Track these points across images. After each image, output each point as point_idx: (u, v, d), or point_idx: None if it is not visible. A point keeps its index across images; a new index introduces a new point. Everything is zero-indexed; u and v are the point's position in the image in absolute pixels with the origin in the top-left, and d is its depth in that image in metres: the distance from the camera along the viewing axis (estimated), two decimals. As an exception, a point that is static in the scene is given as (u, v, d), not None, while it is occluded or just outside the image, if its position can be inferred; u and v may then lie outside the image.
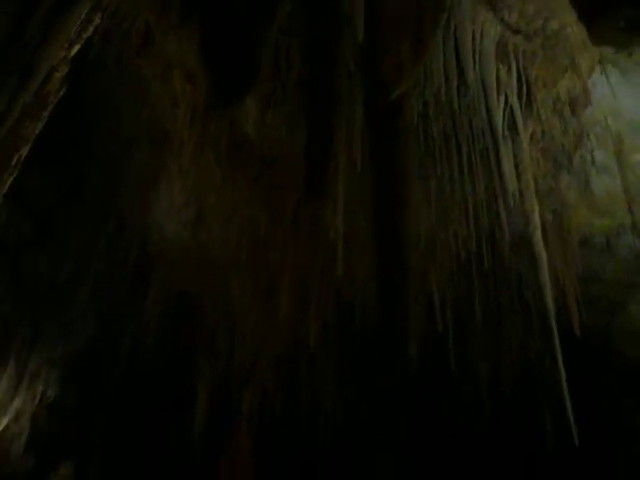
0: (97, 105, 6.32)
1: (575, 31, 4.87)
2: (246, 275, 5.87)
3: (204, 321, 6.35)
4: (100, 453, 7.67)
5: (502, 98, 5.04)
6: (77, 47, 4.48)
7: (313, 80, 4.45)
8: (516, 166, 4.91)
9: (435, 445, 7.03)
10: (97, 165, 6.68)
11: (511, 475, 6.80)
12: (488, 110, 4.89)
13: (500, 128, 4.93)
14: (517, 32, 4.97)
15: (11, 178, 5.37)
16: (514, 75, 5.06)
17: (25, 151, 5.12)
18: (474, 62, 4.87)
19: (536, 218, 4.91)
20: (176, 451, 6.56)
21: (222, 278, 6.10)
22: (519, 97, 5.09)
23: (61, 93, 4.98)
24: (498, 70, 5.00)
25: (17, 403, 8.06)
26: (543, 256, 4.86)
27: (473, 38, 4.85)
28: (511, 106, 5.05)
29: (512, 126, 5.03)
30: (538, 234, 4.88)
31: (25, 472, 8.24)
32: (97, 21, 4.05)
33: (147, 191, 6.35)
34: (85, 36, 4.45)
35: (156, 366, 6.74)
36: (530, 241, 4.89)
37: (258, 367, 5.78)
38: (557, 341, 4.69)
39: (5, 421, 7.99)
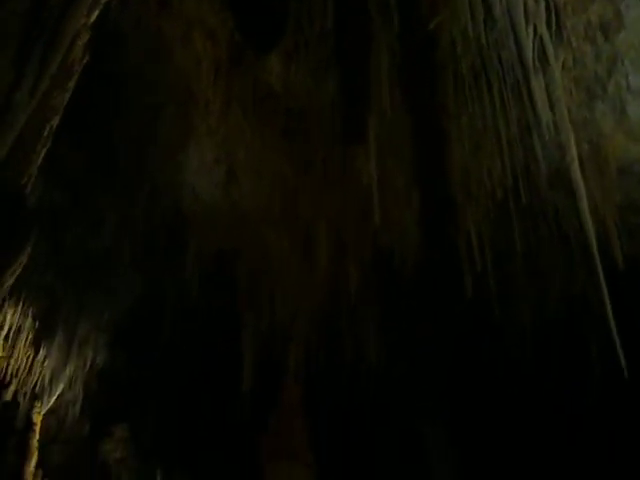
0: (121, 71, 6.31)
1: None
2: (281, 229, 5.88)
3: (244, 278, 6.40)
4: (153, 414, 7.89)
5: (531, 29, 4.88)
6: (96, 13, 4.46)
7: (344, 24, 4.37)
8: (549, 97, 4.78)
9: (475, 391, 7.04)
10: (126, 131, 6.70)
11: (557, 416, 6.80)
12: (517, 42, 4.75)
13: (530, 60, 4.78)
14: (543, -43, 4.79)
15: (44, 149, 5.43)
16: (542, 4, 4.89)
17: (56, 122, 5.16)
18: (500, -7, 4.72)
19: (572, 149, 4.79)
20: (227, 407, 6.69)
21: (257, 234, 6.12)
22: (548, 26, 4.92)
23: (85, 61, 4.97)
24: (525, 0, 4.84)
25: (69, 370, 8.30)
26: (581, 187, 4.75)
27: (497, -33, 4.69)
28: (540, 36, 4.89)
29: (542, 57, 4.88)
30: (575, 165, 4.76)
31: (81, 437, 8.53)
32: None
33: (177, 152, 6.37)
34: (103, 1, 4.43)
35: (200, 326, 6.85)
36: (567, 173, 4.78)
37: (300, 320, 5.82)
38: (600, 272, 4.61)
39: (60, 388, 8.24)
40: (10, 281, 6.03)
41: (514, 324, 6.49)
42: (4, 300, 7.94)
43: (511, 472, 6.83)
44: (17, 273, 6.15)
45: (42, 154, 5.72)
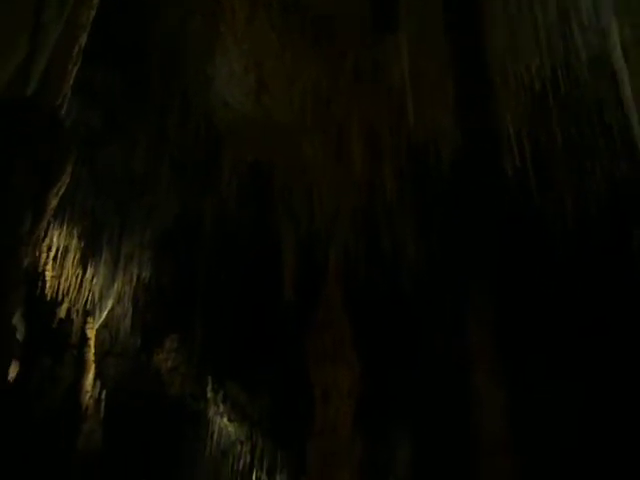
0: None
1: None
2: (315, 135, 5.84)
3: (280, 187, 6.43)
4: (201, 323, 8.14)
5: None
6: None
7: None
8: (587, -21, 4.54)
9: (516, 283, 7.06)
10: (155, 47, 6.65)
11: (599, 306, 6.82)
12: None
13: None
14: None
15: (75, 68, 5.42)
16: None
17: (84, 39, 5.12)
18: None
19: (614, 34, 4.58)
20: (271, 313, 6.87)
21: (291, 142, 6.10)
22: None
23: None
24: None
25: (117, 286, 8.56)
26: (624, 73, 4.57)
27: None
28: None
29: None
30: (618, 51, 4.57)
31: (134, 349, 8.88)
32: None
33: (206, 64, 6.31)
34: None
35: (241, 236, 6.96)
36: (609, 59, 4.60)
37: (338, 223, 5.87)
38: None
39: (110, 304, 8.53)
40: (54, 202, 6.15)
41: (555, 216, 6.43)
42: (49, 222, 8.16)
43: (552, 360, 6.95)
44: (60, 194, 6.29)
45: (74, 73, 5.73)
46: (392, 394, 7.31)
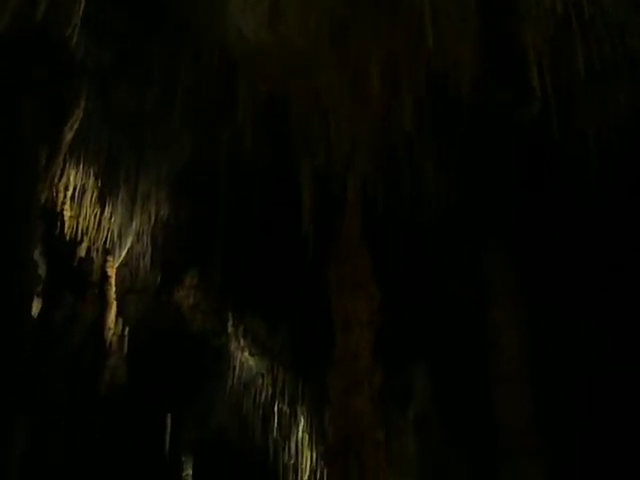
0: None
1: None
2: (331, 63, 5.70)
3: (296, 120, 6.32)
4: (220, 259, 8.16)
5: None
6: None
7: None
8: None
9: (536, 217, 6.98)
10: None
11: (621, 243, 6.74)
12: None
13: None
14: None
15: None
16: None
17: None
18: None
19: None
20: (290, 246, 6.86)
21: (307, 71, 5.96)
22: None
23: None
24: None
25: (135, 225, 8.59)
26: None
27: None
28: None
29: None
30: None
31: (154, 286, 8.96)
32: None
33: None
34: None
35: (257, 169, 6.90)
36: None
37: (357, 154, 5.78)
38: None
39: (129, 242, 8.57)
40: (69, 136, 6.13)
41: (576, 151, 6.29)
42: (65, 161, 8.15)
43: (571, 299, 6.93)
44: (75, 128, 6.25)
45: (82, 3, 5.61)
46: (410, 327, 7.37)
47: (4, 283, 4.54)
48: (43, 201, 6.28)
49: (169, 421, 7.95)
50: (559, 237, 7.00)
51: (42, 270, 7.26)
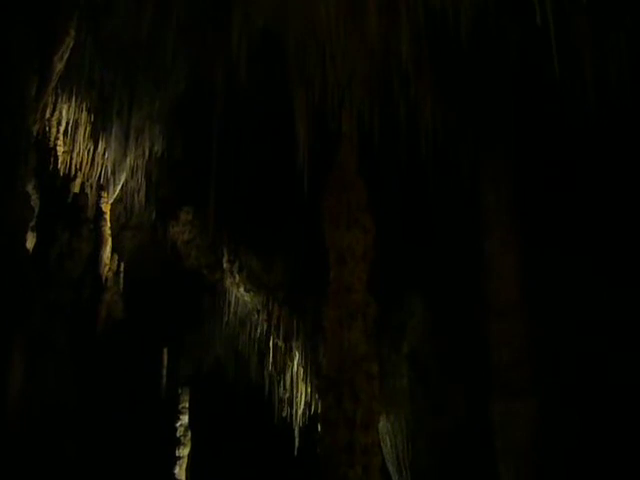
0: None
1: None
2: (328, -7, 5.54)
3: (292, 51, 6.18)
4: (215, 195, 8.12)
5: None
6: None
7: None
8: None
9: (534, 152, 6.92)
10: None
11: (618, 173, 6.70)
12: None
13: None
14: None
15: None
16: None
17: None
18: None
19: None
20: (285, 179, 6.81)
21: (304, 2, 5.81)
22: None
23: None
24: None
25: (129, 160, 8.52)
26: None
27: None
28: None
29: None
30: None
31: (149, 222, 8.95)
32: None
33: None
34: None
35: (253, 103, 6.80)
36: None
37: (353, 88, 5.68)
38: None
39: (123, 178, 8.51)
40: (60, 66, 6.00)
41: (575, 84, 6.18)
42: (57, 95, 8.02)
43: (568, 230, 6.93)
44: (65, 58, 6.11)
45: None
46: (406, 261, 7.39)
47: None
48: (35, 134, 6.21)
49: (166, 355, 8.04)
50: (557, 168, 6.96)
51: (35, 205, 7.21)
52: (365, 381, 5.31)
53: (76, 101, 8.14)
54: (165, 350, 8.04)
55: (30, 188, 6.76)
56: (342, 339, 5.39)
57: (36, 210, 7.20)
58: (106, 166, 8.45)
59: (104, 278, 8.27)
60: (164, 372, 8.01)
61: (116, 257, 8.46)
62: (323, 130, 6.19)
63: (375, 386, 5.38)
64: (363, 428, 5.15)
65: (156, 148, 8.44)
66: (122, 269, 8.40)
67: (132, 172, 8.57)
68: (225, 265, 8.37)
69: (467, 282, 7.47)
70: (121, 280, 8.37)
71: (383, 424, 7.65)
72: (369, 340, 5.52)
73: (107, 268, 8.33)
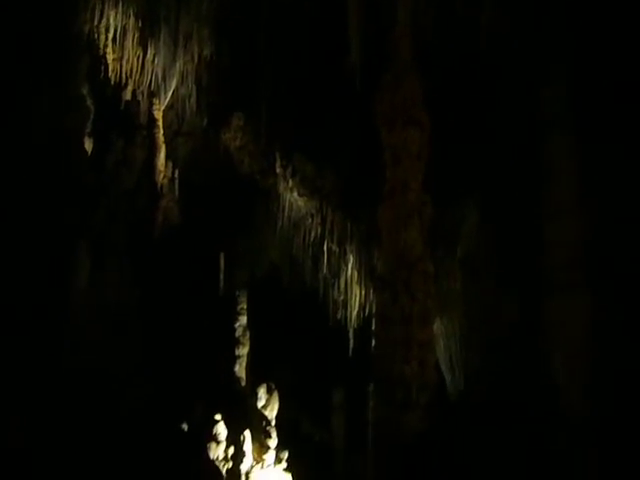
0: None
1: None
2: None
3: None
4: (266, 100, 8.04)
5: None
6: None
7: None
8: None
9: (601, 59, 6.55)
10: None
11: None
12: None
13: None
14: None
15: None
16: None
17: None
18: None
19: None
20: (337, 79, 6.67)
21: None
22: None
23: None
24: None
25: (179, 66, 8.45)
26: None
27: None
28: None
29: None
30: None
31: (201, 128, 8.96)
32: None
33: None
34: None
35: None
36: None
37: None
38: None
39: (173, 84, 8.48)
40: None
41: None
42: (104, 1, 7.93)
43: (630, 135, 6.66)
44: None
45: None
46: (461, 162, 7.23)
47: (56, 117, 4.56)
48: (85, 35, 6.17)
49: (222, 260, 8.19)
50: (621, 68, 6.62)
51: (90, 110, 7.27)
52: (421, 280, 5.34)
53: (123, 7, 8.04)
54: (222, 255, 8.19)
55: (85, 92, 6.79)
56: (398, 239, 5.40)
57: (91, 116, 7.26)
58: (156, 73, 8.41)
59: (159, 185, 8.38)
60: (221, 277, 8.18)
61: (170, 164, 8.53)
62: (377, 22, 5.96)
63: (431, 285, 5.42)
64: (419, 324, 5.21)
65: (205, 53, 8.32)
66: (176, 176, 8.49)
67: (182, 78, 8.51)
68: (278, 170, 8.33)
69: (523, 186, 7.30)
70: (176, 187, 8.47)
71: (436, 326, 7.70)
72: (425, 240, 5.50)
73: (162, 175, 8.42)
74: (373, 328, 6.13)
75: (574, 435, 6.43)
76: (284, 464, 7.24)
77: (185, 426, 7.09)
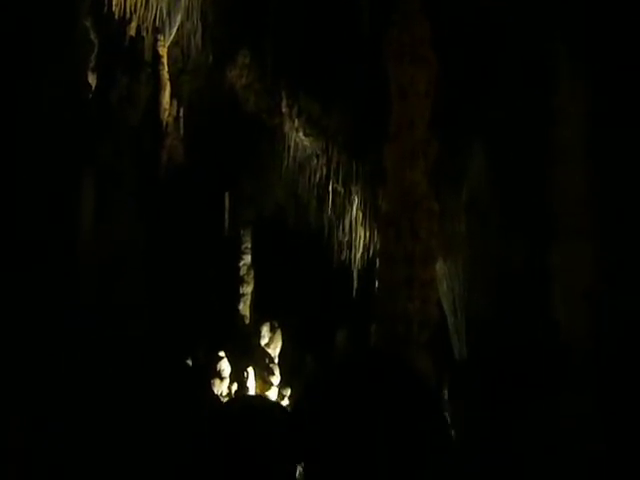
0: None
1: None
2: None
3: None
4: (272, 38, 7.90)
5: None
6: None
7: None
8: None
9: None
10: None
11: None
12: None
13: None
14: None
15: None
16: None
17: None
18: None
19: None
20: (344, 16, 6.54)
21: None
22: None
23: None
24: None
25: (184, 1, 8.29)
26: None
27: None
28: None
29: None
30: None
31: (207, 66, 8.83)
32: None
33: None
34: None
35: None
36: None
37: None
38: None
39: (178, 19, 8.33)
40: None
41: None
42: None
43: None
44: None
45: None
46: (469, 102, 7.13)
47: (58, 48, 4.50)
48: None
49: (227, 200, 8.19)
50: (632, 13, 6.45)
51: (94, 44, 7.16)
52: (425, 219, 5.34)
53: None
54: (226, 195, 8.18)
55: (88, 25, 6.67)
56: (403, 177, 5.38)
57: (95, 50, 7.15)
58: (161, 7, 8.23)
59: (164, 123, 8.30)
60: (226, 216, 8.19)
61: (175, 102, 8.43)
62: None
63: (435, 224, 5.41)
64: (422, 264, 5.23)
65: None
66: (181, 114, 8.40)
67: (187, 13, 8.35)
68: (284, 110, 8.24)
69: (531, 129, 7.21)
70: (181, 125, 8.39)
71: (440, 267, 7.73)
72: (429, 179, 5.48)
73: (167, 113, 8.33)
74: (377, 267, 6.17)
75: (574, 374, 6.54)
76: (287, 401, 7.40)
77: (190, 362, 7.22)
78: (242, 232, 7.77)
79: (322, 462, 1.00)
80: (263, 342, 7.67)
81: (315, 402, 1.06)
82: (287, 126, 8.25)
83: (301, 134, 8.18)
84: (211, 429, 1.25)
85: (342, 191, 8.20)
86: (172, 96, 8.35)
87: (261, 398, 6.64)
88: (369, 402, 1.00)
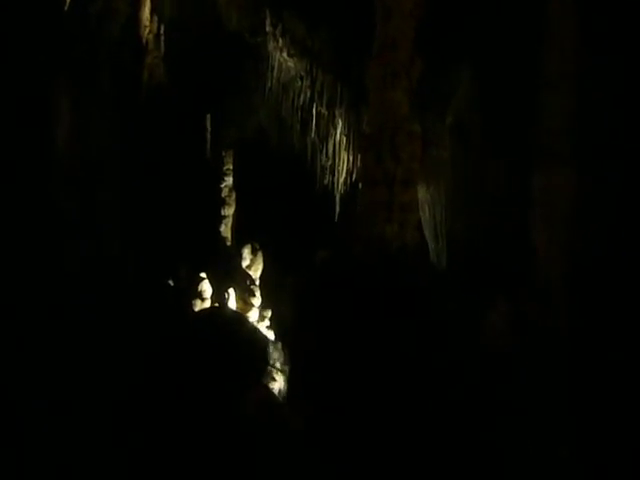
0: None
1: None
2: None
3: None
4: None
5: None
6: None
7: None
8: None
9: None
10: None
11: None
12: None
13: None
14: None
15: None
16: None
17: None
18: None
19: None
20: None
21: None
22: None
23: None
24: None
25: None
26: None
27: None
28: None
29: None
30: None
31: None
32: None
33: None
34: None
35: None
36: None
37: None
38: None
39: None
40: None
41: None
42: None
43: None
44: None
45: None
46: (456, 24, 6.96)
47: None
48: None
49: (209, 121, 8.06)
50: None
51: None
52: (407, 141, 5.30)
53: None
54: (208, 115, 8.04)
55: None
56: (385, 98, 5.32)
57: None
58: None
59: (144, 40, 8.06)
60: (208, 137, 8.08)
61: (156, 19, 8.17)
62: None
63: (417, 146, 5.38)
64: (402, 186, 5.23)
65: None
66: (162, 32, 8.16)
67: None
68: (268, 28, 8.02)
69: (519, 54, 7.08)
70: (162, 43, 8.16)
71: (423, 194, 7.72)
72: (412, 100, 5.41)
73: (147, 30, 8.09)
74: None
75: (548, 300, 6.66)
76: (267, 322, 7.49)
77: (171, 283, 7.26)
78: (224, 153, 7.68)
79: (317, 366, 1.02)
80: (244, 264, 7.70)
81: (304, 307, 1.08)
82: (271, 46, 8.05)
83: (285, 54, 7.98)
84: (182, 330, 1.28)
85: (326, 114, 8.08)
86: (152, 12, 8.09)
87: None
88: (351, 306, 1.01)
